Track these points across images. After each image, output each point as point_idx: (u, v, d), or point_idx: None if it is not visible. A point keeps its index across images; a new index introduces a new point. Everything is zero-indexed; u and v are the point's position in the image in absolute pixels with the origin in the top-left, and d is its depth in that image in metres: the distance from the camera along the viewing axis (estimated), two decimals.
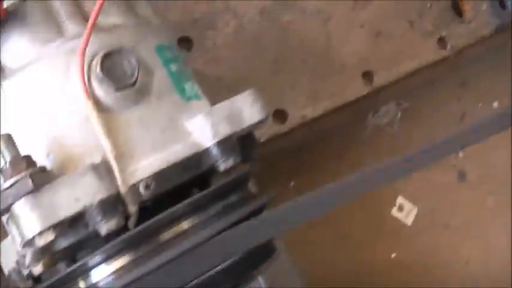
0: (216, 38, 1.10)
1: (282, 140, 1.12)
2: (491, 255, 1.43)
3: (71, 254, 0.69)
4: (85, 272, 0.68)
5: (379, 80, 1.19)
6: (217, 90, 1.06)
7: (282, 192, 1.28)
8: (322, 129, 1.18)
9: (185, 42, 1.08)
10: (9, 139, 0.64)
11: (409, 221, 1.38)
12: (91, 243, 0.67)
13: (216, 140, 0.69)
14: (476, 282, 1.39)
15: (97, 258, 0.67)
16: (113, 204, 0.64)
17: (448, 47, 1.28)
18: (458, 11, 1.30)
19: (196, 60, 1.08)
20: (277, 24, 1.14)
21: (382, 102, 1.32)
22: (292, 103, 1.11)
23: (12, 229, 0.65)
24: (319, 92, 1.14)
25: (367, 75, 1.19)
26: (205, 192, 0.69)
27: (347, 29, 1.19)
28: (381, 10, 1.24)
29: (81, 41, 0.67)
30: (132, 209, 0.65)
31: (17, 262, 0.69)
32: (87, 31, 0.67)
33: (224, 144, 0.70)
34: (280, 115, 1.11)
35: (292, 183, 1.31)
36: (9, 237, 0.71)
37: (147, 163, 0.67)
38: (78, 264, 0.67)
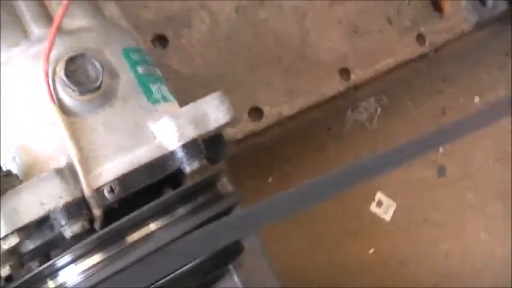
0: (192, 36, 1.10)
1: (259, 137, 1.13)
2: (470, 250, 1.44)
3: (43, 253, 0.70)
4: (54, 272, 0.69)
5: (356, 77, 1.19)
6: (193, 88, 1.07)
7: (260, 188, 1.29)
8: (300, 125, 1.18)
9: (160, 40, 1.09)
10: None
11: (387, 216, 1.39)
12: (62, 242, 0.67)
13: (181, 142, 0.70)
14: (455, 277, 1.41)
15: (65, 259, 0.67)
16: (77, 207, 0.64)
17: (427, 43, 1.27)
18: (437, 8, 1.29)
19: (172, 58, 1.08)
20: (253, 21, 1.14)
21: (362, 98, 1.33)
22: (268, 100, 1.11)
23: None
24: (295, 89, 1.14)
25: (344, 72, 1.19)
26: (170, 194, 0.70)
27: (324, 26, 1.19)
28: (358, 6, 1.23)
29: (45, 45, 0.67)
30: (97, 212, 0.66)
31: None
32: (51, 36, 0.67)
33: (189, 146, 0.70)
34: (256, 112, 1.11)
35: (270, 179, 1.31)
36: None
37: (111, 166, 0.67)
38: (45, 265, 0.67)
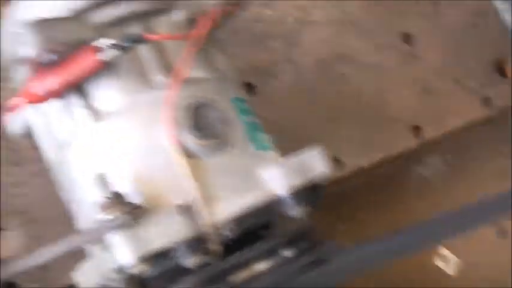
0: (277, 86, 1.16)
1: (337, 186, 1.17)
2: None
3: (142, 283, 0.74)
4: None
5: (427, 134, 1.25)
6: (277, 136, 1.13)
7: (329, 234, 1.32)
8: (374, 177, 1.22)
9: (248, 88, 1.15)
10: (103, 178, 0.71)
11: (451, 271, 1.41)
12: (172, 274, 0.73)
13: (289, 189, 0.75)
14: None
15: None
16: (197, 242, 0.70)
17: (493, 106, 1.32)
18: (501, 73, 1.34)
19: (257, 105, 1.14)
20: (332, 75, 1.20)
21: (429, 155, 1.36)
22: (347, 152, 1.17)
23: (101, 254, 0.71)
24: (373, 143, 1.19)
25: (416, 130, 1.24)
26: (280, 237, 0.76)
27: (398, 83, 1.25)
28: (429, 67, 1.29)
29: (168, 93, 0.74)
30: (216, 247, 0.71)
31: (102, 285, 0.73)
32: (175, 86, 0.74)
33: (296, 193, 0.75)
34: (335, 163, 1.16)
35: (340, 226, 1.35)
36: (90, 260, 0.74)
37: (228, 207, 0.72)
38: None
